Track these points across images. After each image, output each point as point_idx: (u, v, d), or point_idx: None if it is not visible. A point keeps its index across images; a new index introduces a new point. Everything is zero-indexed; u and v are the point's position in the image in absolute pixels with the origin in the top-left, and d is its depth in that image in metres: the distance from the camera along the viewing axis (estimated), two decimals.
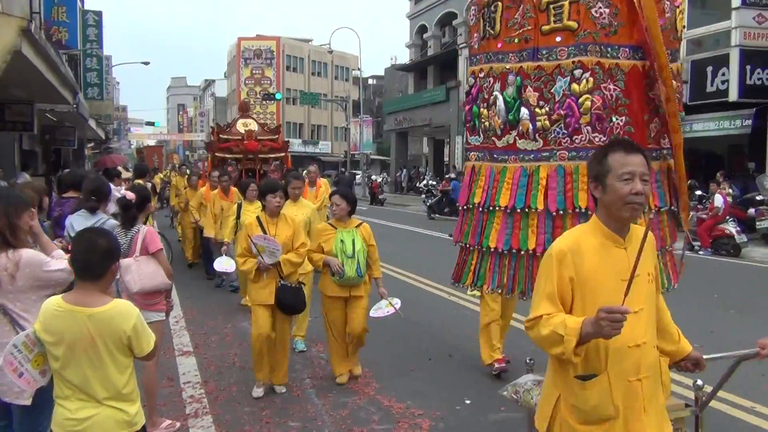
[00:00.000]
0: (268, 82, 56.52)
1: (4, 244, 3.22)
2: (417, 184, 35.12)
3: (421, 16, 39.26)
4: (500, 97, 3.78)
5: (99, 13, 28.70)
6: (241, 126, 11.54)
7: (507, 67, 3.75)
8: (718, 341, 6.25)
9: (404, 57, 44.59)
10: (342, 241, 5.28)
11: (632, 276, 2.17)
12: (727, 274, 11.70)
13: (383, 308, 5.51)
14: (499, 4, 3.73)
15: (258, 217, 5.43)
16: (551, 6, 3.54)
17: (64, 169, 20.62)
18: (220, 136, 11.45)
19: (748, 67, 15.70)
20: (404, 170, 39.09)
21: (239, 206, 7.94)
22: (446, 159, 37.64)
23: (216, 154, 11.22)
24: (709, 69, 17.13)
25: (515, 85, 3.70)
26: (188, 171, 14.41)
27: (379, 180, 37.09)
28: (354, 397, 5.18)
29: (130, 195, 4.61)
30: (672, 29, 3.72)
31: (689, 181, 16.50)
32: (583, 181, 3.47)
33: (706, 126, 18.08)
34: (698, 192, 17.02)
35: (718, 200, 13.88)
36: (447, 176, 31.01)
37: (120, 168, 14.45)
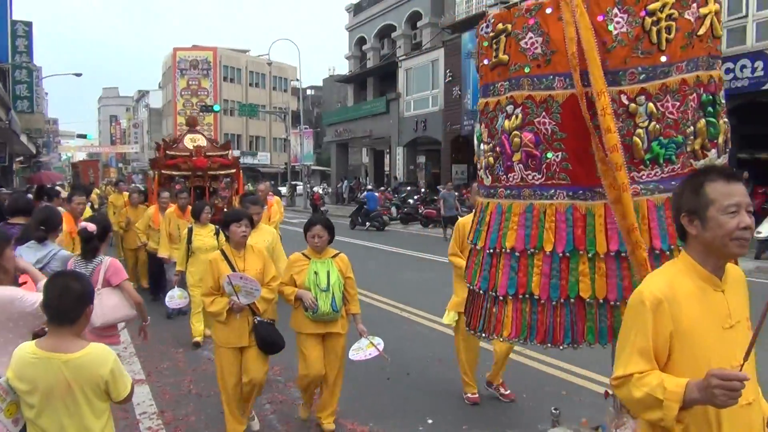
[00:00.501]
0: (205, 93, 55.71)
1: None
2: (358, 195, 35.22)
3: (360, 28, 39.50)
4: (474, 134, 3.86)
5: (29, 24, 27.78)
6: (189, 141, 11.09)
7: (477, 103, 3.83)
8: None
9: (343, 68, 44.83)
10: (316, 273, 4.82)
11: (755, 336, 1.95)
12: None
13: (364, 349, 4.96)
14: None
15: (222, 251, 4.89)
16: (493, 40, 3.43)
17: None
18: (167, 152, 10.91)
19: None
20: (345, 181, 39.11)
21: (190, 230, 7.48)
22: (386, 169, 37.93)
23: (163, 171, 10.70)
24: None
25: (479, 122, 3.78)
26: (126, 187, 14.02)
27: (321, 191, 37.02)
28: (316, 422, 5.17)
29: (91, 227, 4.49)
30: (705, 36, 3.10)
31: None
32: (513, 221, 3.31)
33: None
34: None
35: None
36: (364, 187, 31.37)
37: (58, 187, 13.93)
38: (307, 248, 5.01)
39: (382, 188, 30.78)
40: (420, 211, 23.86)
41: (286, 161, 44.76)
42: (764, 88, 15.40)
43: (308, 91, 63.80)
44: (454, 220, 18.74)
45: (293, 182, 42.17)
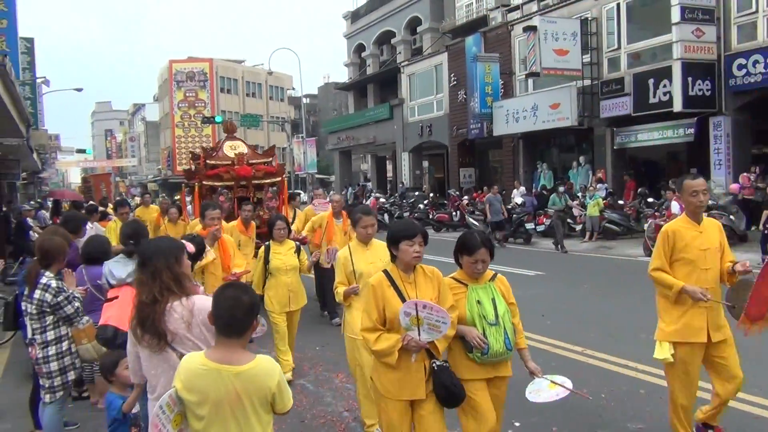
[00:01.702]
0: (203, 104, 55.73)
1: (173, 294, 3.10)
2: (363, 201, 35.25)
3: (358, 35, 39.59)
4: None
5: (31, 40, 27.81)
6: (228, 149, 10.39)
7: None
8: None
9: (337, 76, 44.90)
10: (478, 302, 3.79)
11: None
12: None
13: (546, 389, 3.84)
14: None
15: (387, 273, 3.83)
16: None
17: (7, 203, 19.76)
18: (207, 161, 10.23)
19: (690, 79, 16.51)
20: (349, 188, 39.16)
21: (267, 248, 6.73)
22: (389, 175, 37.99)
23: (204, 182, 9.93)
24: (651, 81, 17.97)
25: None
26: (159, 200, 13.78)
27: (382, 198, 37.04)
28: None
29: (191, 247, 4.50)
30: None
31: (640, 189, 17.32)
32: None
33: (651, 135, 18.95)
34: (650, 199, 17.79)
35: (675, 207, 14.50)
36: (370, 193, 31.38)
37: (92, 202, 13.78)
38: (457, 271, 3.98)
39: (378, 195, 30.70)
40: (431, 216, 23.85)
41: (288, 170, 44.76)
42: None
43: (303, 100, 63.88)
44: (501, 225, 18.55)
45: (296, 191, 42.18)
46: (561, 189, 18.18)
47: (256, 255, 7.99)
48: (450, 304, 3.74)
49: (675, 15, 16.39)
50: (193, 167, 10.97)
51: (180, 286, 3.15)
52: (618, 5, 19.76)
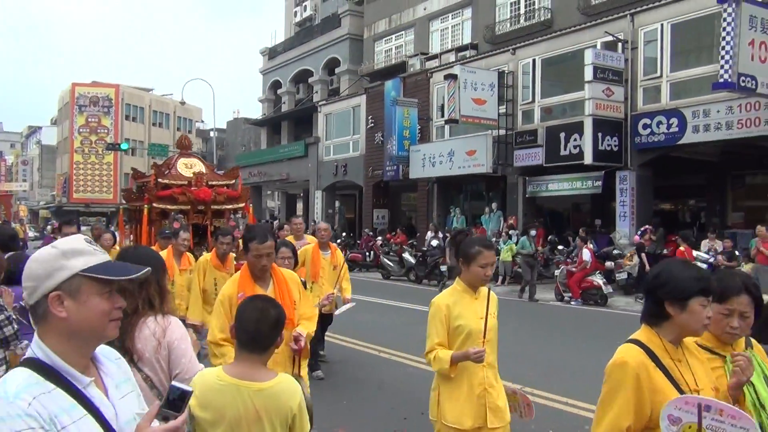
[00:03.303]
0: (105, 131, 53.73)
1: (151, 309, 2.86)
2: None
3: (275, 72, 39.57)
4: None
5: None
6: (183, 167, 9.09)
7: None
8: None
9: (247, 111, 44.48)
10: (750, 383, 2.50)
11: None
12: (600, 321, 12.76)
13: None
14: None
15: (639, 343, 2.39)
16: None
17: None
18: (159, 179, 8.85)
19: (599, 134, 17.47)
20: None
21: None
22: (299, 212, 37.73)
23: (154, 205, 8.59)
24: (562, 135, 18.90)
25: None
26: (92, 226, 12.89)
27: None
28: None
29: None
30: None
31: (550, 237, 18.03)
32: None
33: (561, 185, 19.87)
34: (559, 246, 18.51)
35: (586, 254, 15.16)
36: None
37: None
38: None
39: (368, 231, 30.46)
40: (345, 254, 23.79)
41: None
42: (678, 143, 16.66)
43: (211, 133, 62.82)
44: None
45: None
46: (533, 233, 16.70)
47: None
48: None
49: (588, 74, 17.37)
50: (134, 187, 9.72)
51: (163, 301, 2.95)
52: (534, 61, 20.77)
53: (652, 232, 16.68)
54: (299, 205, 38.39)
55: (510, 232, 19.72)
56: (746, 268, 12.99)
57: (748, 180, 19.06)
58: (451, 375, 3.51)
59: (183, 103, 42.42)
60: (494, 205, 22.47)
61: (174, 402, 1.67)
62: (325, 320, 7.64)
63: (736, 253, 14.26)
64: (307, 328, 4.19)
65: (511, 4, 24.46)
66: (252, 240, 4.01)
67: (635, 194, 18.02)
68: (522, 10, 23.94)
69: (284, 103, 38.96)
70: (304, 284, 5.39)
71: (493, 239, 19.80)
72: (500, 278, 18.28)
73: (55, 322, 1.64)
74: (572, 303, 15.09)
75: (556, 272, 16.53)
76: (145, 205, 8.68)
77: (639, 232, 16.60)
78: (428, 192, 25.39)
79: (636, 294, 14.94)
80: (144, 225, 8.69)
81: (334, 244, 8.00)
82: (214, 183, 9.07)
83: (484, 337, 3.58)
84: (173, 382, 1.76)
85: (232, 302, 3.82)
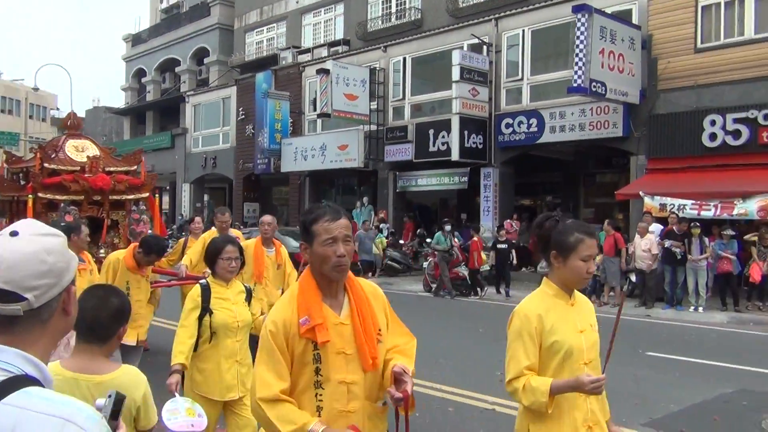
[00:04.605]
0: None
1: None
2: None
3: (139, 60, 37.83)
4: None
5: None
6: (73, 151, 7.76)
7: None
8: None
9: (108, 100, 42.35)
10: None
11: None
12: (475, 311, 13.35)
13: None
14: None
15: None
16: None
17: None
18: (45, 164, 7.45)
19: (465, 132, 18.20)
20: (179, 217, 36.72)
21: (205, 291, 4.09)
22: (164, 207, 36.34)
23: (40, 194, 7.28)
24: (431, 131, 19.52)
25: None
26: None
27: None
28: None
29: None
30: None
31: (419, 230, 18.54)
32: None
33: (429, 181, 20.53)
34: (428, 239, 19.11)
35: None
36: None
37: None
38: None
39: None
40: None
41: None
42: (537, 142, 17.70)
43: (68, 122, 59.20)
44: (371, 266, 17.93)
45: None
46: (447, 228, 16.02)
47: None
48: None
49: (455, 74, 18.02)
50: (5, 173, 8.37)
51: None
52: (404, 59, 21.27)
53: (520, 227, 17.64)
54: (165, 198, 36.95)
55: (381, 226, 20.13)
56: (597, 259, 14.00)
57: (599, 179, 20.56)
58: (548, 411, 2.59)
59: (36, 89, 39.53)
60: (365, 200, 22.80)
61: (114, 412, 1.54)
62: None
63: None
64: (406, 362, 2.50)
65: (382, 2, 24.85)
66: (317, 220, 2.42)
67: (498, 190, 18.95)
68: (393, 9, 24.40)
69: (149, 92, 37.34)
70: (248, 290, 4.37)
71: (362, 232, 20.15)
72: (370, 271, 18.59)
73: (58, 322, 1.39)
74: (441, 293, 15.65)
75: (425, 264, 17.06)
76: (29, 195, 7.39)
77: (495, 228, 17.43)
78: (300, 186, 25.33)
79: (496, 285, 15.70)
80: (30, 216, 7.02)
81: (278, 241, 7.09)
82: (112, 169, 7.83)
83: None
84: (112, 390, 1.62)
85: (290, 333, 2.37)
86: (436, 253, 15.78)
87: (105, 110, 44.61)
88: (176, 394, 3.71)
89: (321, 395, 2.37)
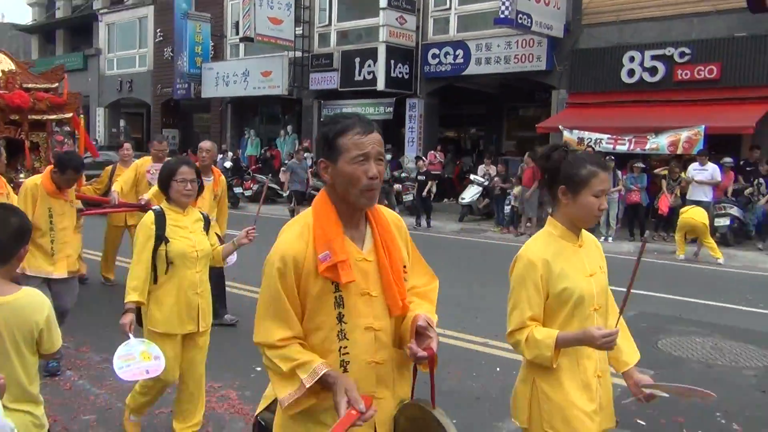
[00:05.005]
0: None
1: None
2: None
3: None
4: None
5: None
6: None
7: None
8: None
9: (15, 16, 39.50)
10: None
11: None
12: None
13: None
14: None
15: None
16: None
17: None
18: None
19: (392, 62, 17.97)
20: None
21: (160, 218, 3.78)
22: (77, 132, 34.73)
23: None
24: (357, 60, 19.17)
25: None
26: None
27: None
28: None
29: None
30: None
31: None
32: None
33: (354, 111, 20.24)
34: None
35: None
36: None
37: None
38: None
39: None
40: None
41: None
42: (463, 74, 17.67)
43: None
44: (302, 197, 17.01)
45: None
46: (388, 157, 15.58)
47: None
48: None
49: (382, 1, 17.64)
50: None
51: None
52: None
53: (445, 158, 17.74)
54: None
55: (305, 155, 19.86)
56: (516, 190, 14.35)
57: (521, 112, 20.84)
58: (553, 365, 2.40)
59: None
60: (290, 128, 22.41)
61: None
62: (217, 273, 5.93)
63: (508, 177, 15.65)
64: (429, 311, 2.18)
65: None
66: (344, 132, 2.02)
67: (423, 121, 18.95)
68: None
69: (58, 8, 34.94)
70: (206, 219, 4.06)
71: (287, 161, 19.86)
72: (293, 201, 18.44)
73: None
74: None
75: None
76: None
77: (414, 159, 17.45)
78: (222, 113, 24.62)
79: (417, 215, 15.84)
80: None
81: (218, 169, 6.69)
82: (30, 86, 7.12)
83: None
84: None
85: (304, 271, 2.02)
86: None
87: (10, 27, 41.56)
88: (130, 336, 3.58)
89: (346, 347, 2.03)
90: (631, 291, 2.26)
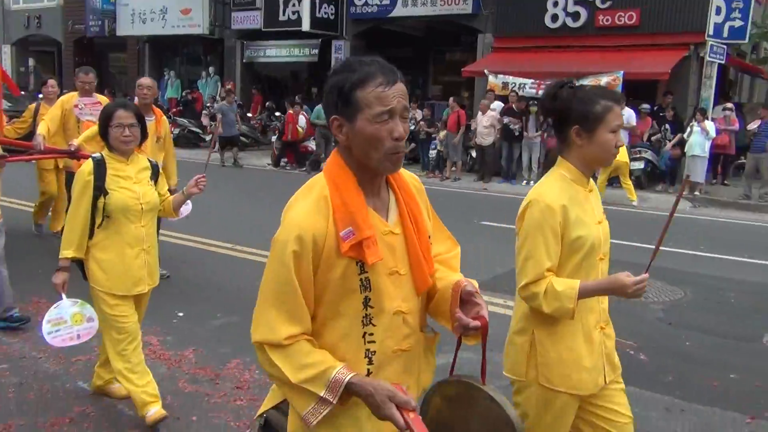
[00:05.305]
0: None
1: None
2: None
3: None
4: None
5: None
6: None
7: None
8: None
9: None
10: None
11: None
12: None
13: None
14: None
15: None
16: None
17: None
18: None
19: (317, 1, 17.52)
20: None
21: (99, 166, 3.45)
22: None
23: None
24: None
25: None
26: None
27: None
28: None
29: None
30: None
31: (267, 104, 18.03)
32: None
33: (279, 52, 19.81)
34: (277, 113, 18.69)
35: (302, 121, 15.55)
36: None
37: None
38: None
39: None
40: None
41: None
42: (389, 15, 17.43)
43: None
44: (235, 141, 16.11)
45: None
46: None
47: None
48: None
49: None
50: None
51: None
52: None
53: None
54: None
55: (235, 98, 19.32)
56: (441, 135, 14.43)
57: (448, 56, 20.77)
58: (572, 318, 2.27)
59: None
60: (211, 70, 21.70)
61: None
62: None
63: (434, 121, 15.71)
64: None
65: None
66: (364, 83, 1.66)
67: None
68: None
69: None
70: (155, 167, 3.69)
71: (208, 104, 19.30)
72: (216, 144, 17.97)
73: None
74: (288, 168, 15.55)
75: (272, 138, 16.76)
76: None
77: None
78: (139, 53, 23.56)
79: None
80: None
81: (158, 108, 6.25)
82: None
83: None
84: None
85: (324, 252, 1.69)
86: (316, 128, 15.26)
87: None
88: (63, 296, 3.37)
89: (372, 335, 1.75)
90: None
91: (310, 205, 1.69)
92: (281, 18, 18.67)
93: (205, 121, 18.41)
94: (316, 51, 18.71)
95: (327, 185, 1.72)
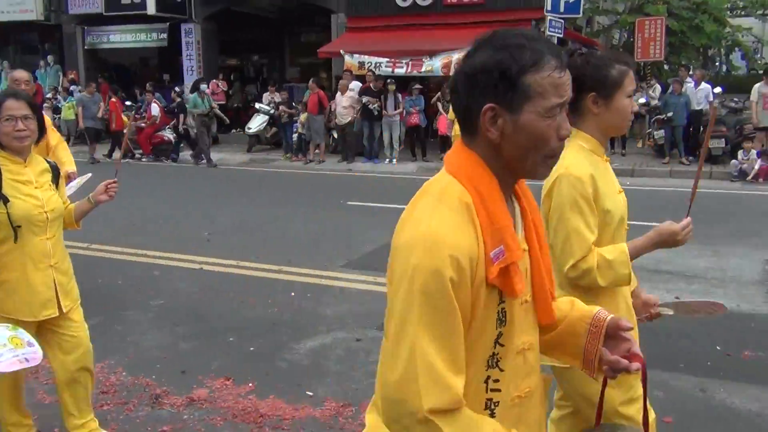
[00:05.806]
0: None
1: None
2: None
3: None
4: None
5: None
6: None
7: None
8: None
9: None
10: None
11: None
12: (173, 176, 12.93)
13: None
14: None
15: None
16: None
17: None
18: None
19: None
20: None
21: None
22: None
23: None
24: None
25: None
26: None
27: None
28: None
29: None
30: None
31: (119, 93, 17.05)
32: None
33: (124, 37, 18.82)
34: (127, 102, 17.72)
35: (155, 109, 14.88)
36: None
37: None
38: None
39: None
40: None
41: None
42: None
43: None
44: (98, 135, 15.11)
45: None
46: (203, 87, 14.66)
47: None
48: None
49: None
50: None
51: None
52: None
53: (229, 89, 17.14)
54: None
55: (71, 88, 18.10)
56: (302, 117, 14.31)
57: (304, 38, 20.60)
58: (629, 283, 2.19)
59: None
60: (50, 59, 20.21)
61: None
62: None
63: (294, 104, 15.56)
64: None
65: None
66: (538, 66, 1.30)
67: (201, 48, 18.06)
68: None
69: None
70: (54, 168, 3.13)
71: (50, 95, 18.00)
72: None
73: None
74: (143, 159, 14.86)
75: (125, 130, 15.91)
76: None
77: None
78: None
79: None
80: None
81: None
82: None
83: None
84: None
85: (478, 278, 1.28)
86: (194, 116, 14.47)
87: None
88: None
89: (497, 381, 1.37)
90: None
91: (456, 217, 1.29)
92: (124, 1, 17.67)
93: (48, 114, 17.10)
94: (164, 35, 17.93)
95: (467, 190, 1.32)
